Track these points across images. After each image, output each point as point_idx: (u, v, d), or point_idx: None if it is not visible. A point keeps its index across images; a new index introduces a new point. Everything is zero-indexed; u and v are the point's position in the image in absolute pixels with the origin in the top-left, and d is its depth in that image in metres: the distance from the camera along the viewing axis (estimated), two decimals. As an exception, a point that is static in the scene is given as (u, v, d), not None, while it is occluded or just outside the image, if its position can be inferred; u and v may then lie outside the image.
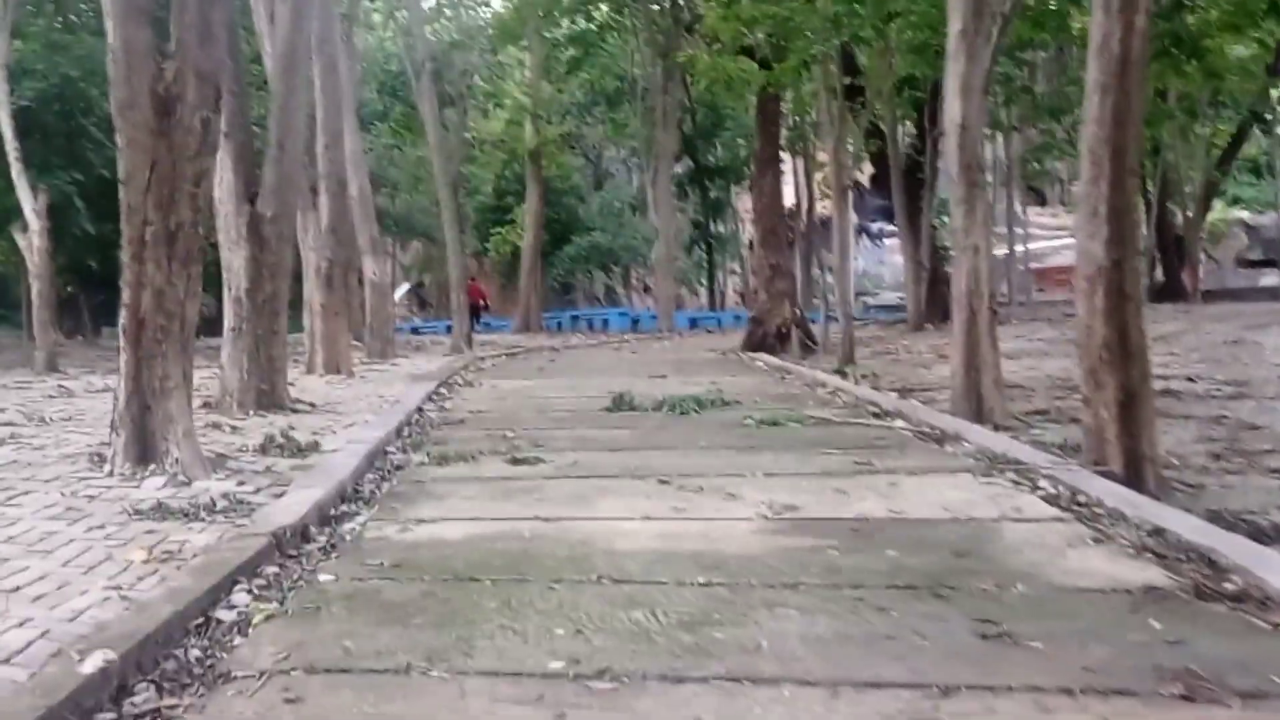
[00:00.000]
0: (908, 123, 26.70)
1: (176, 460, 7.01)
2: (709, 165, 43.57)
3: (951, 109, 9.71)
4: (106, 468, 7.14)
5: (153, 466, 7.00)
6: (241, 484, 6.75)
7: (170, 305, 7.23)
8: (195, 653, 3.78)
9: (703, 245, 46.87)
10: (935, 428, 9.04)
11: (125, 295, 7.23)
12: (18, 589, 4.45)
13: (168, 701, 3.40)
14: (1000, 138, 29.72)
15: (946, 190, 28.65)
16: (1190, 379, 12.03)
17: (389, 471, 7.54)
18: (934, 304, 24.64)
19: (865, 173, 33.68)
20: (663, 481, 6.92)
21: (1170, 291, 32.76)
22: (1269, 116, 36.11)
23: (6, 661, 3.61)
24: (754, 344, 21.43)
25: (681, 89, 34.87)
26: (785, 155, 32.45)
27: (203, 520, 5.73)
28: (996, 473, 7.01)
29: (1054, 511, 5.91)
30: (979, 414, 9.52)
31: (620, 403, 11.32)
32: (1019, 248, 33.99)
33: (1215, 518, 5.68)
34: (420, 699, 3.40)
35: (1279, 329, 17.32)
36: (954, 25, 9.57)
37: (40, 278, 18.02)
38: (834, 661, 3.66)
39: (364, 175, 21.93)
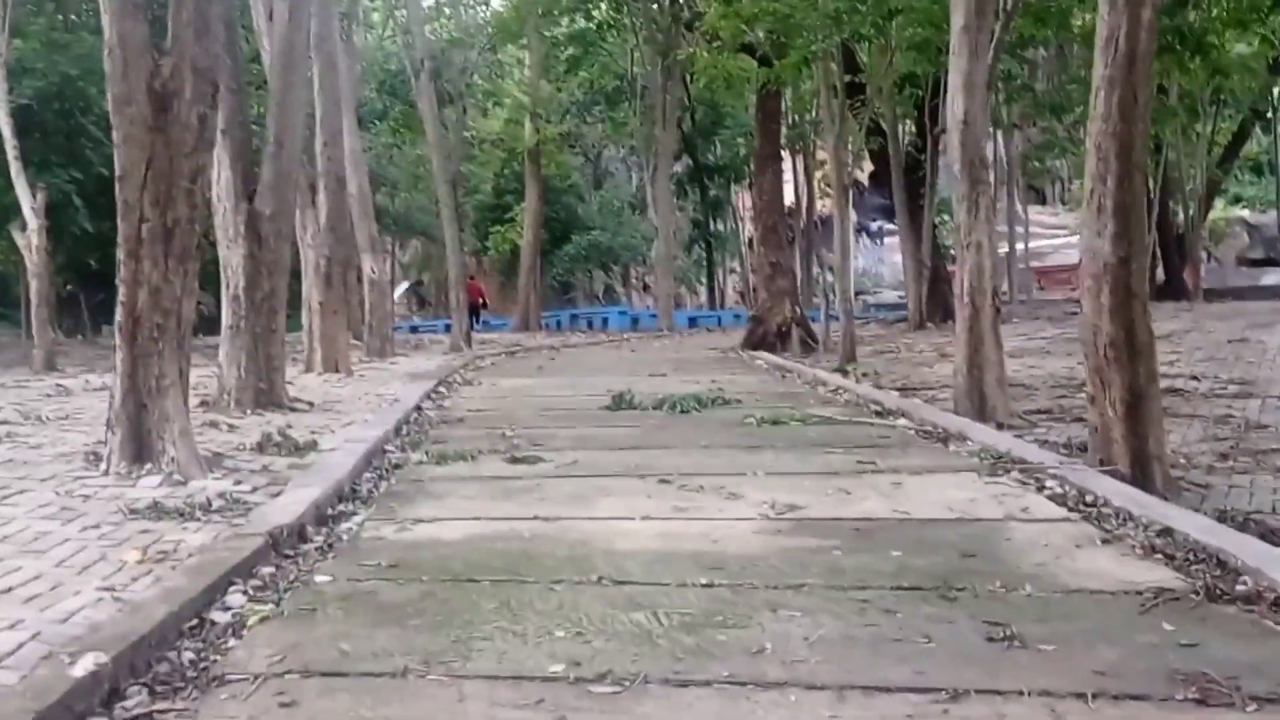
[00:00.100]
0: (908, 121, 26.62)
1: (172, 459, 6.93)
2: (708, 164, 43.44)
3: (954, 105, 9.64)
4: (102, 467, 7.07)
5: (148, 465, 6.93)
6: (238, 483, 6.68)
7: (166, 303, 7.15)
8: (189, 655, 3.71)
9: (702, 244, 46.77)
10: (938, 426, 8.97)
11: (121, 293, 7.16)
12: (10, 590, 4.38)
13: (160, 705, 3.33)
14: (1000, 136, 29.62)
15: (948, 188, 28.60)
16: (1195, 378, 11.96)
17: (387, 470, 7.46)
18: (935, 302, 24.61)
19: (865, 171, 33.66)
20: (663, 481, 6.85)
21: (1172, 290, 32.68)
22: (1270, 115, 36.04)
23: (-3, 664, 3.54)
24: (754, 342, 21.37)
25: (681, 87, 34.79)
26: (785, 153, 32.35)
27: (198, 520, 5.66)
28: (1001, 472, 6.95)
29: (1061, 511, 5.85)
30: (982, 412, 9.46)
31: (620, 401, 11.25)
32: (1019, 246, 33.92)
33: (1224, 518, 5.63)
34: (418, 703, 3.33)
35: (1282, 328, 17.26)
36: (957, 21, 9.50)
37: (39, 276, 17.95)
38: (839, 664, 3.59)
39: (363, 173, 21.86)
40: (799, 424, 9.68)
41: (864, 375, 14.30)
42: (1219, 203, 40.96)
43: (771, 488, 6.58)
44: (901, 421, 9.68)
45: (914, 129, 26.52)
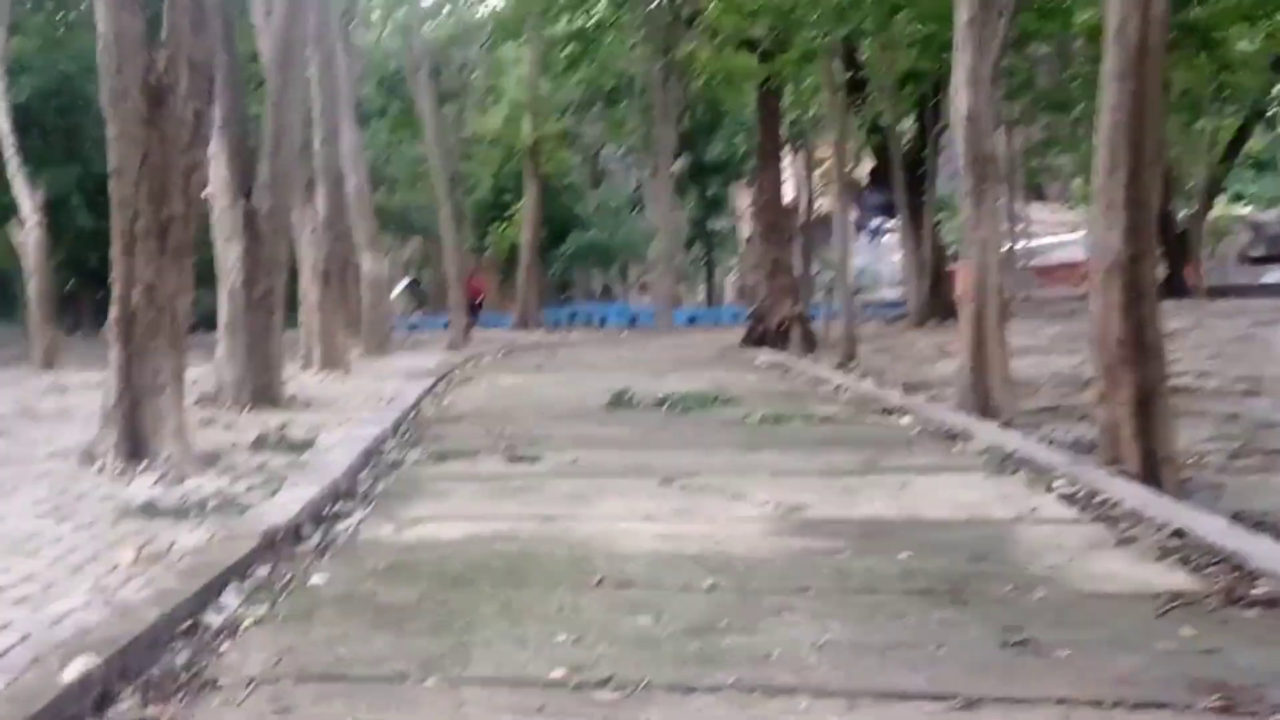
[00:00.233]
0: (909, 118, 26.49)
1: (168, 457, 6.84)
2: (707, 162, 43.31)
3: (959, 101, 9.53)
4: (97, 465, 6.97)
5: (144, 464, 6.83)
6: (234, 482, 6.57)
7: (161, 300, 7.06)
8: (182, 658, 3.62)
9: (701, 242, 46.66)
10: (943, 425, 8.88)
11: (116, 289, 7.07)
12: (0, 590, 4.27)
13: (151, 711, 3.25)
14: (1001, 133, 29.47)
15: (950, 185, 28.44)
16: (1201, 376, 11.85)
17: (385, 469, 7.38)
18: (935, 300, 24.48)
19: (864, 169, 33.53)
20: (665, 480, 6.75)
21: (1173, 288, 32.54)
22: (1272, 112, 35.93)
23: (-16, 668, 3.44)
24: (754, 340, 21.26)
25: (680, 85, 34.67)
26: (784, 151, 32.23)
27: (193, 519, 5.55)
28: (1009, 471, 6.86)
29: (1072, 512, 5.75)
30: (986, 410, 9.35)
31: (620, 400, 11.16)
32: (1021, 244, 33.81)
33: (1238, 518, 5.52)
34: (415, 710, 3.24)
35: (1287, 326, 17.17)
36: (962, 15, 9.39)
37: (37, 274, 17.88)
38: (850, 671, 3.49)
39: (362, 171, 21.74)
40: (801, 422, 9.58)
41: (865, 373, 14.20)
42: (1220, 200, 40.79)
43: (775, 487, 6.48)
44: (905, 419, 9.58)
45: (915, 126, 26.39)
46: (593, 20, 34.11)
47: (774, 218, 22.99)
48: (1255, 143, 41.53)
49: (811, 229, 37.94)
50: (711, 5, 21.36)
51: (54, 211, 19.51)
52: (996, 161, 9.65)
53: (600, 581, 4.49)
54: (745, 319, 24.77)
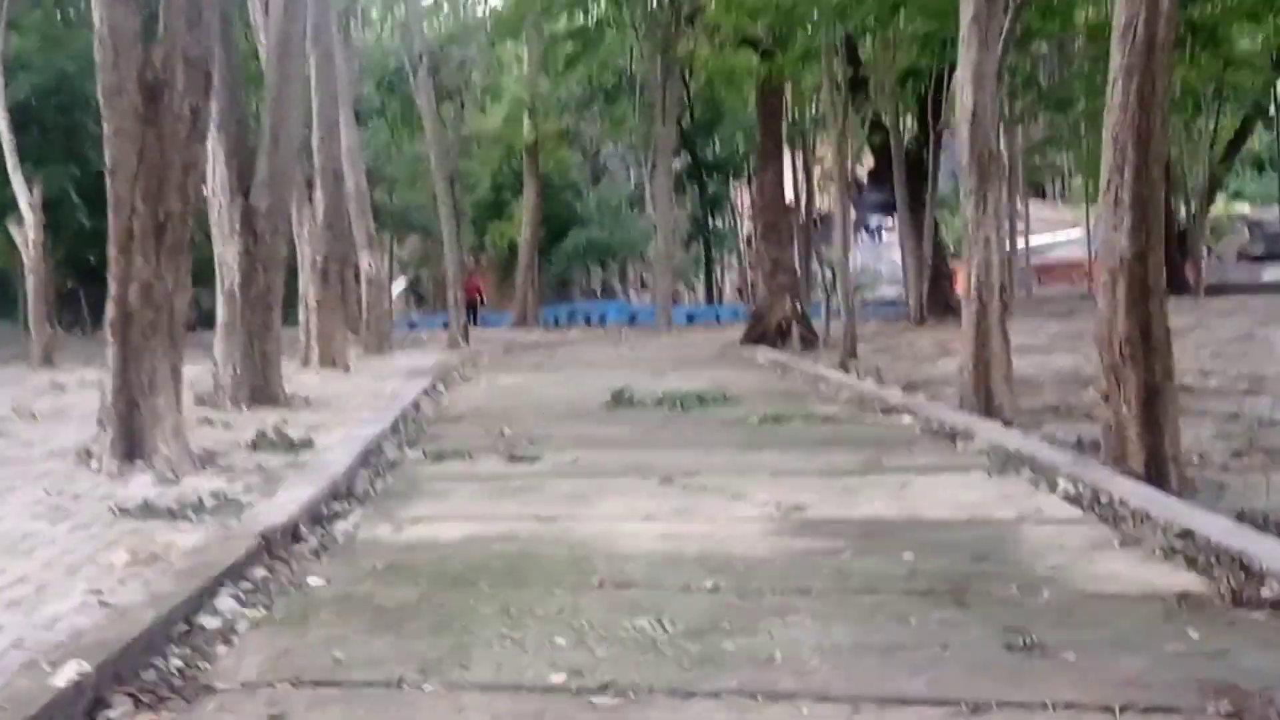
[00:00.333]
0: (909, 116, 26.45)
1: (165, 457, 6.80)
2: (707, 160, 43.23)
3: (963, 98, 9.47)
4: (93, 465, 6.92)
5: (140, 464, 6.79)
6: (231, 482, 6.53)
7: (158, 299, 7.01)
8: (176, 662, 3.57)
9: (700, 240, 46.59)
10: (944, 424, 8.82)
11: (112, 288, 7.02)
12: (-8, 593, 4.23)
13: (145, 716, 3.20)
14: (1003, 130, 29.40)
15: (950, 184, 28.33)
16: (1203, 374, 11.81)
17: (383, 469, 7.33)
18: (935, 298, 24.44)
19: (864, 167, 33.47)
20: (665, 480, 6.70)
21: (1173, 286, 32.41)
22: (1272, 111, 35.87)
23: (-25, 673, 3.39)
24: (754, 339, 21.20)
25: (680, 83, 34.60)
26: (784, 149, 32.16)
27: (190, 520, 5.50)
28: (1012, 471, 6.81)
29: (1075, 512, 5.70)
30: (988, 409, 9.30)
31: (620, 399, 11.11)
32: (1021, 242, 33.74)
33: (1243, 518, 5.47)
34: (414, 716, 3.19)
35: (1288, 324, 17.11)
36: (967, 12, 9.33)
37: (35, 272, 17.82)
38: (852, 674, 3.44)
39: (360, 169, 21.68)
40: (802, 422, 9.53)
41: (866, 372, 14.14)
42: (1219, 198, 40.74)
43: (776, 487, 6.43)
44: (906, 419, 9.53)
45: (916, 124, 26.34)
46: (593, 18, 34.07)
47: (774, 216, 22.93)
48: (1255, 141, 41.50)
49: (811, 227, 37.88)
50: (712, 3, 21.32)
51: (53, 210, 19.45)
52: (1000, 159, 9.59)
53: (600, 582, 4.45)
54: (745, 317, 24.72)
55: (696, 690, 3.31)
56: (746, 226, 42.25)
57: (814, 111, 28.58)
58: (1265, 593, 4.13)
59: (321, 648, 3.70)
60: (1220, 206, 40.62)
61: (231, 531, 5.05)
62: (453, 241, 25.73)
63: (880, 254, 44.46)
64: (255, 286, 11.20)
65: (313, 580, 4.54)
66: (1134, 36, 6.16)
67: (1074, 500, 5.94)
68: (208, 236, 11.42)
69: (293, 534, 5.18)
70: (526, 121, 36.42)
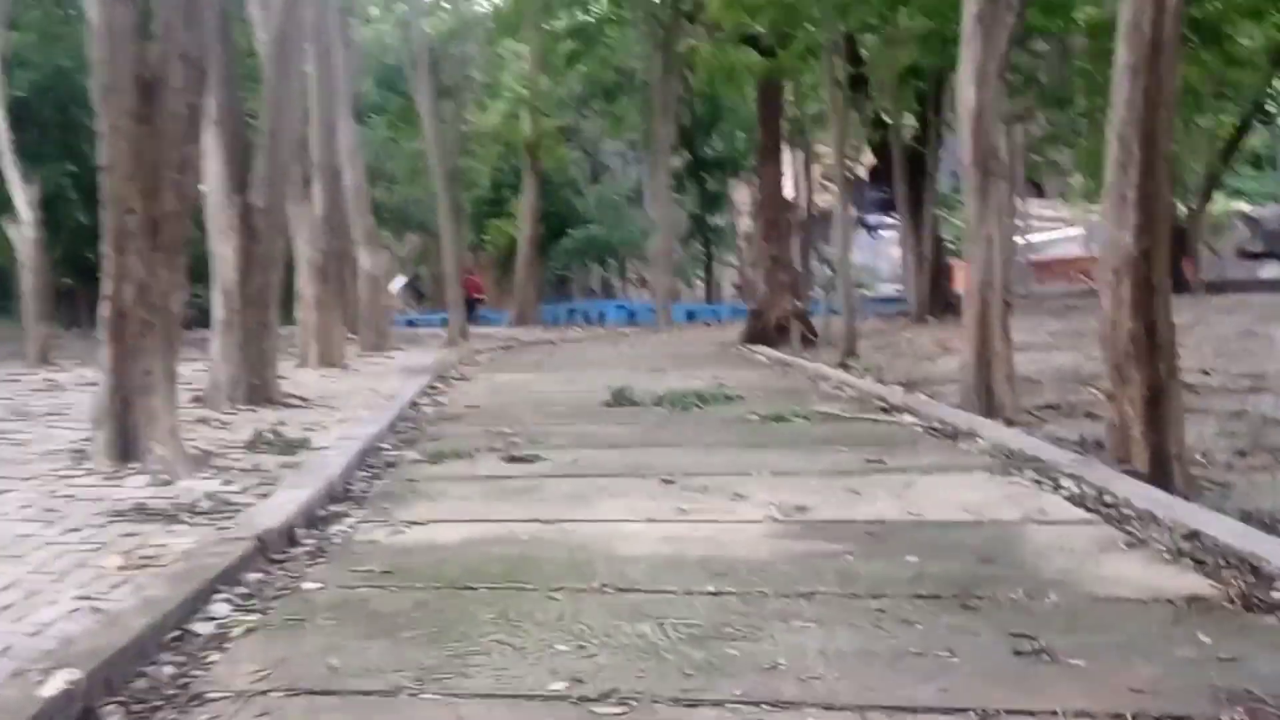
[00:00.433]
0: (910, 114, 26.38)
1: (160, 458, 6.73)
2: (706, 158, 43.18)
3: (966, 96, 9.40)
4: (87, 465, 6.85)
5: (135, 464, 6.73)
6: (227, 483, 6.46)
7: (154, 298, 6.94)
8: (169, 670, 3.50)
9: (700, 238, 46.53)
10: (946, 423, 8.76)
11: (107, 287, 6.96)
12: (-17, 598, 4.16)
13: (135, 726, 3.12)
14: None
15: (950, 182, 28.29)
16: (1205, 372, 11.74)
17: (381, 469, 7.26)
18: (935, 296, 24.39)
19: (864, 165, 33.40)
20: (666, 481, 6.64)
21: (1173, 284, 32.40)
22: (1271, 109, 35.83)
23: (-39, 683, 3.31)
24: (754, 337, 21.14)
25: (680, 81, 34.53)
26: (784, 147, 32.10)
27: (184, 522, 5.43)
28: (1015, 471, 6.74)
29: (1080, 513, 5.63)
30: (990, 408, 9.24)
31: (620, 398, 11.04)
32: (1019, 240, 33.69)
33: (1250, 518, 5.41)
34: (411, 725, 3.12)
35: (1289, 322, 17.03)
36: (970, 8, 9.26)
37: (32, 270, 17.74)
38: (859, 681, 3.37)
39: (359, 166, 21.60)
40: (803, 421, 9.46)
41: (866, 370, 14.08)
42: (1217, 196, 40.68)
43: (778, 488, 6.37)
44: (908, 418, 9.47)
45: (916, 122, 26.27)
46: (593, 16, 34.00)
47: (774, 214, 22.87)
48: (1255, 139, 41.43)
49: (811, 225, 37.82)
50: (712, 0, 21.22)
51: (51, 207, 19.37)
52: (1001, 158, 9.52)
53: (601, 586, 4.37)
54: (744, 315, 24.65)
55: (700, 699, 3.24)
56: (746, 224, 42.17)
57: (815, 109, 28.47)
58: (1276, 596, 4.07)
59: (317, 655, 3.63)
60: (1218, 204, 40.56)
61: (226, 534, 4.97)
62: (452, 239, 25.66)
63: (880, 251, 44.40)
64: (252, 285, 11.12)
65: (309, 585, 4.46)
66: (1140, 34, 6.10)
67: (1078, 501, 5.87)
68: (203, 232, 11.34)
69: (289, 537, 5.11)
70: (526, 119, 36.35)
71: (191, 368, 10.76)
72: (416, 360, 17.94)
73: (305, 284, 16.28)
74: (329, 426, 9.15)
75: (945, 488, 6.35)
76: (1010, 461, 7.02)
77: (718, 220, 46.72)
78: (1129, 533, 5.15)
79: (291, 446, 7.85)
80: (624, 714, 3.15)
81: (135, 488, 6.28)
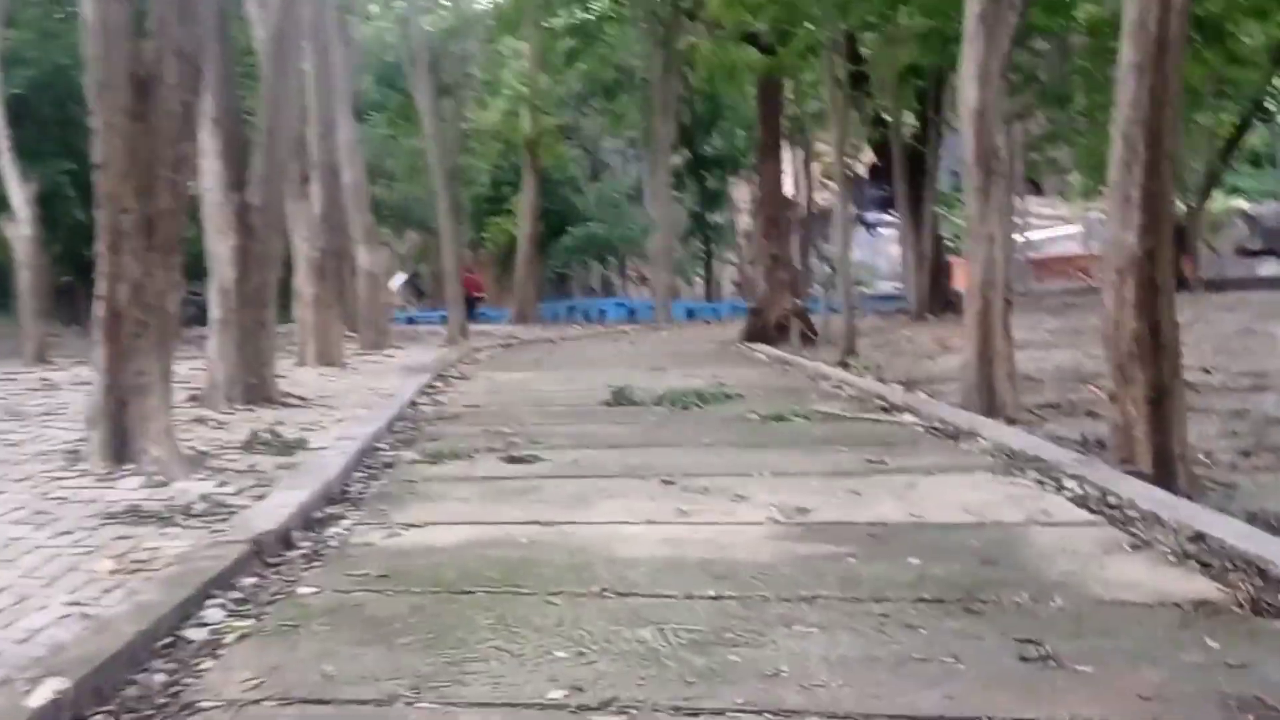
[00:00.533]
0: (909, 112, 26.33)
1: (154, 459, 6.66)
2: (706, 155, 43.13)
3: (968, 94, 9.34)
4: (81, 466, 6.79)
5: (129, 466, 6.66)
6: (223, 484, 6.39)
7: (149, 297, 6.89)
8: (160, 678, 3.43)
9: (700, 236, 46.48)
10: (947, 422, 8.70)
11: (101, 286, 6.91)
12: (-29, 604, 4.10)
13: (126, 736, 3.07)
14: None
15: (949, 180, 28.24)
16: (1206, 370, 11.68)
17: (379, 470, 7.20)
18: (935, 294, 24.35)
19: (863, 163, 33.35)
20: (666, 481, 6.58)
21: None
22: (1271, 107, 35.76)
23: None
24: (753, 335, 21.09)
25: (680, 79, 34.48)
26: (784, 145, 32.05)
27: (178, 525, 5.37)
28: (1017, 471, 6.68)
29: (1083, 514, 5.57)
30: (991, 407, 9.19)
31: (620, 397, 10.98)
32: (1018, 238, 33.61)
33: (1254, 520, 5.35)
34: (406, 735, 3.06)
35: (1290, 320, 16.96)
36: (972, 8, 9.20)
37: (29, 267, 17.66)
38: (863, 688, 3.31)
39: (359, 164, 21.52)
40: (803, 420, 9.40)
41: (866, 369, 14.03)
42: (1216, 194, 40.62)
43: (779, 489, 6.31)
44: (908, 417, 9.41)
45: (916, 120, 26.22)
46: (593, 13, 33.93)
47: (774, 212, 22.84)
48: (1253, 137, 41.36)
49: (811, 223, 37.79)
50: (712, -2, 21.16)
51: (49, 205, 19.30)
52: (1003, 156, 9.46)
53: (601, 590, 4.31)
54: (744, 313, 24.62)
55: (701, 707, 3.18)
56: (745, 222, 42.15)
57: (815, 106, 28.43)
58: (1286, 601, 4.01)
59: (312, 662, 3.57)
60: (1217, 201, 40.52)
61: (220, 537, 4.91)
62: (451, 237, 25.59)
63: (879, 249, 44.38)
64: (249, 283, 11.05)
65: (304, 589, 4.40)
66: (1145, 33, 6.03)
67: (1082, 502, 5.82)
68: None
69: (284, 540, 5.05)
70: (526, 116, 36.27)
71: (190, 366, 10.71)
72: (416, 359, 17.88)
73: (304, 282, 16.22)
74: (327, 426, 9.09)
75: (947, 488, 6.30)
76: (1012, 461, 6.97)
77: (717, 218, 46.68)
78: (1133, 535, 5.09)
79: (288, 447, 7.79)
80: (624, 723, 3.09)
81: (129, 489, 6.22)
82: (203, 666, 3.55)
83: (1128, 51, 6.20)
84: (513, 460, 7.46)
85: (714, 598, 4.23)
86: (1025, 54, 23.87)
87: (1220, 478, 6.66)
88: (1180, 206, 34.56)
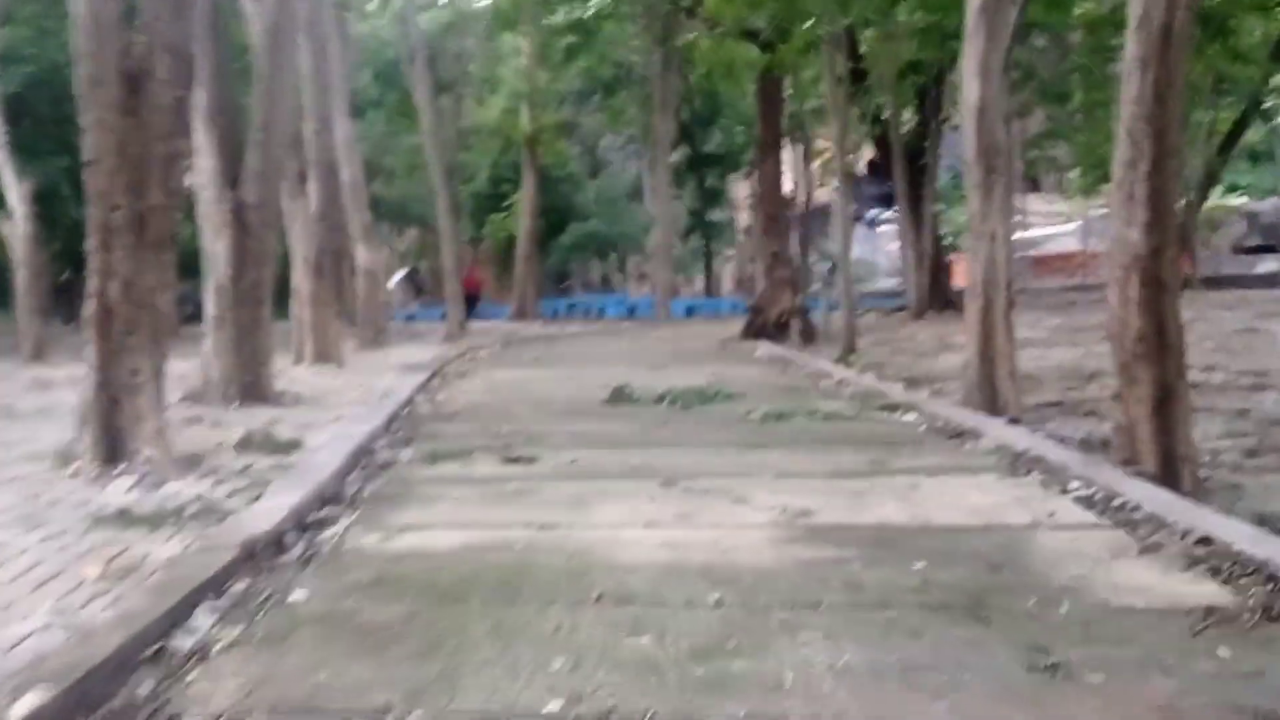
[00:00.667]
0: (909, 109, 26.25)
1: (147, 460, 6.57)
2: (706, 153, 43.07)
3: (969, 91, 9.24)
4: (72, 468, 6.69)
5: (121, 466, 6.56)
6: (215, 486, 6.30)
7: (140, 295, 6.78)
8: (145, 688, 3.34)
9: (699, 233, 46.40)
10: (950, 422, 8.62)
11: (92, 284, 6.80)
12: (-45, 611, 4.00)
13: (109, 748, 2.98)
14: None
15: (949, 178, 28.17)
16: (1207, 369, 11.59)
17: (375, 471, 7.10)
18: (935, 292, 24.29)
19: (863, 159, 33.28)
20: (666, 483, 6.48)
21: (1173, 280, 32.27)
22: (1269, 104, 35.68)
23: (-74, 705, 3.16)
24: (754, 332, 21.01)
25: (679, 76, 34.38)
26: (783, 142, 31.95)
27: (169, 528, 5.26)
28: (1022, 472, 6.60)
29: (1090, 516, 5.48)
30: (993, 406, 9.09)
31: (620, 395, 10.90)
32: (1016, 235, 33.52)
33: (1263, 522, 5.26)
34: (398, 747, 2.97)
35: (1292, 318, 16.90)
36: (973, 3, 9.10)
37: (26, 266, 17.59)
38: (869, 700, 3.23)
39: (356, 161, 21.44)
40: (804, 419, 9.32)
41: (866, 366, 13.94)
42: (1214, 191, 40.54)
43: (780, 490, 6.22)
44: (910, 416, 9.33)
45: (916, 117, 26.14)
46: (591, 10, 33.80)
47: (773, 209, 22.77)
48: (1252, 134, 41.27)
49: (810, 220, 37.67)
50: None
51: (47, 203, 19.22)
52: (1005, 153, 9.37)
53: (599, 597, 4.22)
54: (744, 310, 24.55)
55: None
56: (745, 219, 42.04)
57: (815, 103, 28.32)
58: (1298, 607, 3.93)
59: (302, 672, 3.48)
60: (1215, 199, 40.44)
61: (212, 541, 4.81)
62: (450, 234, 25.52)
63: (878, 246, 44.30)
64: (245, 281, 10.96)
65: (295, 595, 4.30)
66: (1150, 28, 5.93)
67: (1087, 504, 5.73)
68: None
69: (277, 543, 4.95)
70: (525, 113, 36.18)
71: (186, 365, 10.61)
72: (414, 356, 17.79)
73: (301, 279, 16.13)
74: (323, 425, 8.99)
75: (951, 490, 6.21)
76: (1016, 462, 6.88)
77: (717, 215, 46.60)
78: (1140, 538, 5.00)
79: (283, 447, 7.70)
80: (622, 736, 3.00)
81: (120, 491, 6.12)
82: (190, 676, 3.46)
83: (1132, 46, 6.11)
84: (511, 460, 7.37)
85: (715, 605, 4.14)
86: (1024, 50, 23.85)
87: (1225, 479, 6.58)
88: (1178, 204, 34.54)
